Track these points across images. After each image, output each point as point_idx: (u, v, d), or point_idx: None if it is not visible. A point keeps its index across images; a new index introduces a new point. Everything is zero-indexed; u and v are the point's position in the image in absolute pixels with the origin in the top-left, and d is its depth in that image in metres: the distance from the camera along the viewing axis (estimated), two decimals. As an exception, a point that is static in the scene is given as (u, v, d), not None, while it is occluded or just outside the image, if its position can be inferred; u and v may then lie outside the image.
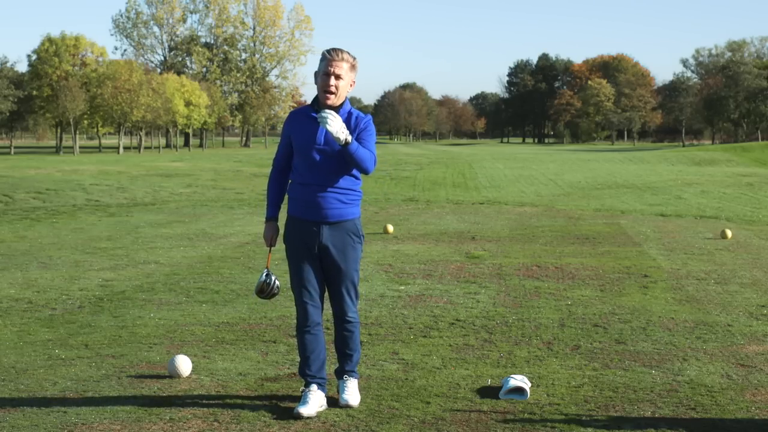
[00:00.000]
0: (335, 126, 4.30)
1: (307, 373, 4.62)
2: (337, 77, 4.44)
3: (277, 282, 4.76)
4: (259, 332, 6.49)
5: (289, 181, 4.70)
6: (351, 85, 4.54)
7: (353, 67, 4.51)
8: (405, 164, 45.40)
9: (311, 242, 4.55)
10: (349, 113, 4.54)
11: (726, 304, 7.60)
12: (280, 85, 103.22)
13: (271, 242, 4.77)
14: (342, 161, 4.47)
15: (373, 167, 4.51)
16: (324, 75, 4.45)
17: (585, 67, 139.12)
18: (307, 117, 4.55)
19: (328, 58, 4.45)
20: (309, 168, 4.50)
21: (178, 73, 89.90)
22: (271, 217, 4.75)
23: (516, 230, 14.30)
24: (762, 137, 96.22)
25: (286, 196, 4.70)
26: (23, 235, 13.81)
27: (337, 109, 4.51)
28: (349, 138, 4.37)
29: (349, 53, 4.50)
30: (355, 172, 4.57)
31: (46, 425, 4.32)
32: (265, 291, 4.74)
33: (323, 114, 4.32)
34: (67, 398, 4.78)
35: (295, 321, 6.80)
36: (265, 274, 4.74)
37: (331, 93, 4.44)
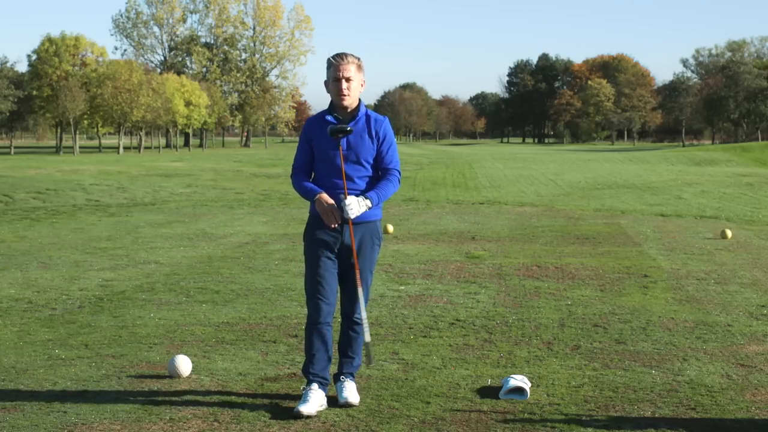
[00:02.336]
0: (357, 210, 4.46)
1: (310, 371, 4.64)
2: (348, 80, 4.56)
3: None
4: (259, 332, 6.49)
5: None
6: (362, 85, 4.66)
7: (360, 67, 4.62)
8: (405, 164, 45.35)
9: (333, 242, 4.61)
10: (367, 116, 4.66)
11: (726, 304, 7.60)
12: (280, 85, 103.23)
13: (332, 210, 4.49)
14: (363, 166, 4.60)
15: (398, 184, 4.71)
16: (334, 80, 4.56)
17: (585, 67, 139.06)
18: (326, 124, 4.62)
19: (335, 63, 4.56)
20: (332, 173, 4.58)
21: (178, 73, 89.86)
22: (318, 192, 4.56)
23: (516, 230, 14.30)
24: (762, 137, 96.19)
25: None
26: (23, 235, 13.81)
27: (353, 112, 4.62)
28: (370, 203, 4.51)
29: (353, 55, 4.61)
30: (375, 176, 4.68)
31: (46, 425, 4.32)
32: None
33: (346, 211, 4.45)
34: (67, 398, 4.78)
35: (295, 320, 6.84)
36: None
37: (346, 96, 4.56)
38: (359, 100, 4.66)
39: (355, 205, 4.47)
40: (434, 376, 5.22)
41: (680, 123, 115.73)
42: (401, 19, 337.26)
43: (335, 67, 4.55)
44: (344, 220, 4.56)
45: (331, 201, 4.51)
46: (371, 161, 4.64)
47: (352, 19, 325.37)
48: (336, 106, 4.63)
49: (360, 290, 4.67)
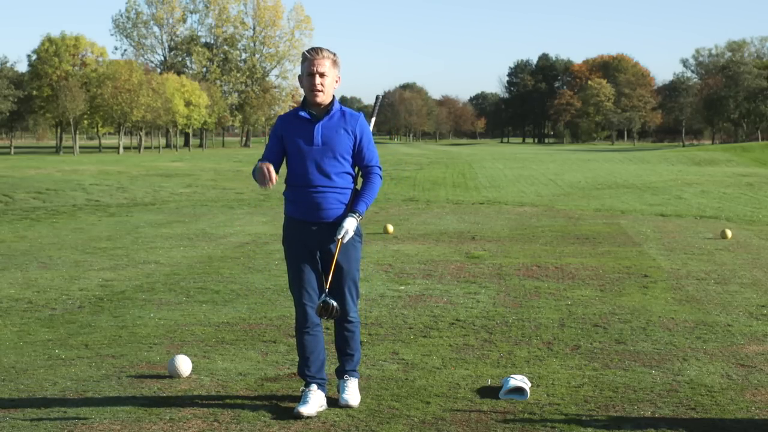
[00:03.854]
0: (351, 231, 4.47)
1: (307, 374, 4.62)
2: (322, 75, 4.47)
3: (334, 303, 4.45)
4: (259, 332, 6.49)
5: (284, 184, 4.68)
6: (336, 81, 4.57)
7: (335, 63, 4.54)
8: (405, 164, 45.38)
9: (313, 243, 4.55)
10: (341, 111, 4.58)
11: (726, 304, 7.60)
12: (280, 85, 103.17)
13: (268, 174, 4.36)
14: (339, 162, 4.52)
15: (380, 179, 4.67)
16: (308, 75, 4.49)
17: (585, 67, 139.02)
18: (299, 119, 4.56)
19: (310, 58, 4.49)
20: (307, 170, 4.50)
21: (178, 73, 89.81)
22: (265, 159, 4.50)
23: (516, 230, 14.30)
24: (762, 137, 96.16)
25: (284, 198, 4.69)
26: (23, 235, 13.81)
27: (327, 107, 4.55)
28: (359, 215, 4.52)
29: (328, 50, 4.53)
30: (351, 171, 4.61)
31: (46, 425, 4.32)
32: (323, 314, 4.48)
33: (341, 235, 4.44)
34: (67, 398, 4.79)
35: (295, 320, 6.83)
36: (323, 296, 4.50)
37: (319, 92, 4.48)
38: (333, 96, 4.58)
39: (350, 228, 4.46)
40: (434, 376, 5.22)
41: (680, 123, 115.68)
42: (401, 19, 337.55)
43: (309, 61, 4.47)
44: (325, 221, 4.53)
45: (272, 172, 4.38)
46: (348, 157, 4.55)
47: (352, 19, 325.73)
48: (309, 101, 4.55)
49: (346, 290, 4.61)
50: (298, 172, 4.53)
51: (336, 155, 4.50)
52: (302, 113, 4.55)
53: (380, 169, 4.68)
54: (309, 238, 4.55)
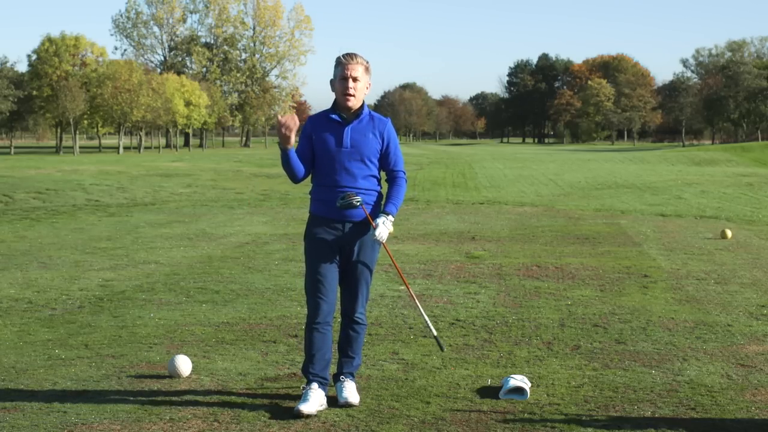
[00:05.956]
0: (386, 234, 4.58)
1: (310, 371, 4.64)
2: (355, 80, 4.57)
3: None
4: (259, 332, 6.49)
5: (311, 184, 4.78)
6: (367, 87, 4.67)
7: (367, 69, 4.65)
8: (405, 164, 45.34)
9: (334, 240, 4.63)
10: (370, 115, 4.69)
11: (726, 304, 7.60)
12: (280, 85, 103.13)
13: (289, 125, 4.42)
14: (365, 165, 4.62)
15: (406, 183, 4.83)
16: (342, 79, 4.58)
17: (585, 67, 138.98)
18: (330, 121, 4.64)
19: (344, 62, 4.58)
20: (335, 171, 4.60)
21: (178, 73, 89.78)
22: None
23: (516, 230, 14.30)
24: (762, 137, 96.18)
25: (309, 198, 4.78)
26: (23, 235, 13.81)
27: (357, 111, 4.63)
28: (392, 217, 4.64)
29: (362, 56, 4.64)
30: (376, 174, 4.71)
31: (46, 425, 4.32)
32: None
33: (379, 239, 4.56)
34: (67, 398, 4.79)
35: (295, 320, 6.84)
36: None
37: (351, 96, 4.57)
38: (363, 101, 4.67)
39: (384, 230, 4.56)
40: (434, 376, 5.22)
41: (680, 123, 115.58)
42: (401, 19, 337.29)
43: (343, 66, 4.57)
44: (348, 220, 4.61)
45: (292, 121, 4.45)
46: (375, 160, 4.66)
47: (352, 19, 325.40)
48: (340, 105, 4.63)
49: (358, 290, 4.68)
50: (325, 173, 4.63)
51: (363, 158, 4.60)
52: (333, 116, 4.65)
53: (405, 173, 4.79)
54: (331, 235, 4.62)
